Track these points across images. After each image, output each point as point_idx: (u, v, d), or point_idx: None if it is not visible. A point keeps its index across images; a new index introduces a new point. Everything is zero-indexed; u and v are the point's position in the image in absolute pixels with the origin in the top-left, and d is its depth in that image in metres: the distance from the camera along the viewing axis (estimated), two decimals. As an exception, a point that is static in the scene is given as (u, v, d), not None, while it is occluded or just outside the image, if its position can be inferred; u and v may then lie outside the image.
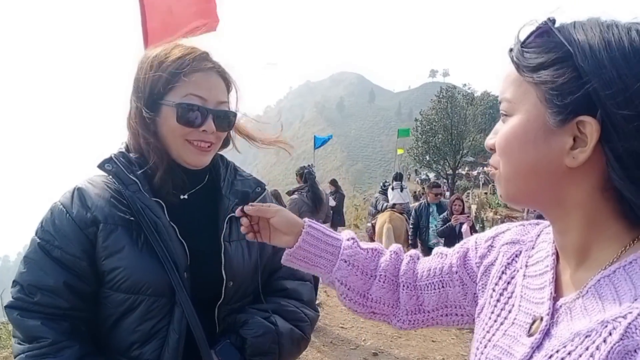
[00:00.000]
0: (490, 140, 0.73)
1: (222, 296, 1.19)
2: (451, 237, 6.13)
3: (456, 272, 0.96)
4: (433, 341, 5.49)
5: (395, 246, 1.09)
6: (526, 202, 0.71)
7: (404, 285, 1.01)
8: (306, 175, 5.78)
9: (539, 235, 0.83)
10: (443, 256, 1.01)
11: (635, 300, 0.55)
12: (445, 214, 6.48)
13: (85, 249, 1.09)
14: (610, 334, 0.53)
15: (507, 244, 0.88)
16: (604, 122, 0.57)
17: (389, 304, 1.02)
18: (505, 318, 0.78)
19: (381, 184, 9.91)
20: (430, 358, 4.99)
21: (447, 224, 6.23)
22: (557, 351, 0.60)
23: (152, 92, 1.14)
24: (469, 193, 30.64)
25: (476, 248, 0.94)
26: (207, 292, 1.18)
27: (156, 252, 1.10)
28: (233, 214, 1.21)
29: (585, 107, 0.58)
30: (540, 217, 0.79)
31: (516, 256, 0.84)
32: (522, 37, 0.66)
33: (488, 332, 0.80)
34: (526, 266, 0.80)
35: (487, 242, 0.93)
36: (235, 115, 1.24)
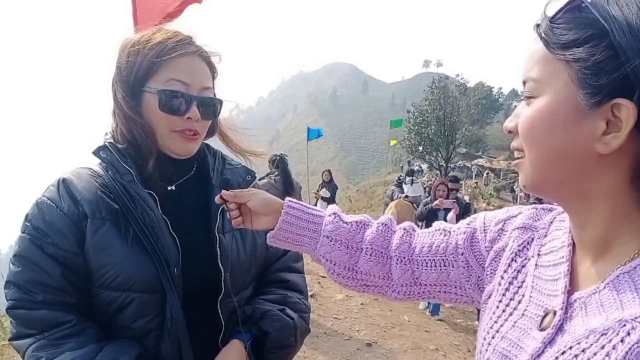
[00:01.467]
0: (510, 122, 0.69)
1: (222, 289, 1.16)
2: (431, 221, 5.98)
3: (462, 254, 0.91)
4: (426, 331, 5.53)
5: (384, 217, 1.06)
6: (549, 192, 0.68)
7: (397, 259, 0.97)
8: (278, 162, 5.94)
9: (552, 223, 0.79)
10: (447, 233, 0.96)
11: None
12: (428, 199, 6.41)
13: (80, 244, 1.05)
14: (628, 333, 0.51)
15: (518, 228, 0.83)
16: None
17: (380, 275, 0.99)
18: (515, 309, 0.75)
19: (397, 178, 12.44)
20: (423, 348, 5.02)
21: (427, 206, 6.14)
22: (571, 347, 0.57)
23: (134, 79, 1.09)
24: (461, 184, 30.78)
25: (485, 230, 0.89)
26: (204, 286, 1.16)
27: (146, 247, 1.06)
28: (224, 205, 1.20)
29: (622, 89, 0.54)
30: (538, 200, 0.76)
31: (528, 243, 0.80)
32: (550, 13, 0.61)
33: (496, 322, 0.77)
34: (539, 255, 0.76)
35: (498, 225, 0.87)
36: (221, 102, 1.20)
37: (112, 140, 1.15)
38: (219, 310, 1.17)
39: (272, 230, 1.03)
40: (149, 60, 1.08)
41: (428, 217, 6.14)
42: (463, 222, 0.96)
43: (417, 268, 0.96)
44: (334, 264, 0.99)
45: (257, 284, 1.32)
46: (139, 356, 1.04)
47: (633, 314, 0.52)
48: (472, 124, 38.34)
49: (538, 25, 0.62)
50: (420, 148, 37.64)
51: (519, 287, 0.77)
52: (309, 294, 6.32)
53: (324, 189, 9.53)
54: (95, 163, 1.16)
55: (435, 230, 0.99)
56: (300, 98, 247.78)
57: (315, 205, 9.56)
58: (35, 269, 1.03)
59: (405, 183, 10.65)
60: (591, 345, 0.54)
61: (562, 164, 0.61)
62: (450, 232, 0.96)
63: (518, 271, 0.79)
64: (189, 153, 1.18)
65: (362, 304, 6.37)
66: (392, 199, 9.79)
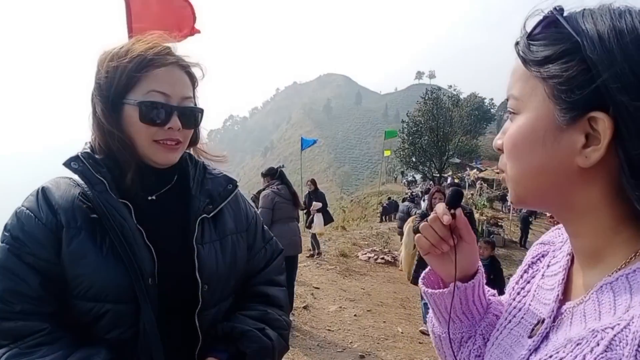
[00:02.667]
0: (498, 140, 0.69)
1: (200, 301, 1.14)
2: None
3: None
4: (420, 343, 5.51)
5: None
6: (537, 205, 0.68)
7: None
8: (280, 173, 5.94)
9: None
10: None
11: (627, 310, 0.52)
12: (424, 209, 6.23)
13: (58, 254, 1.05)
14: (597, 344, 0.51)
15: (538, 244, 0.84)
16: (617, 118, 0.52)
17: None
18: (514, 316, 0.76)
19: (409, 193, 13.23)
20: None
21: (425, 219, 5.92)
22: (551, 357, 0.57)
23: (114, 92, 1.08)
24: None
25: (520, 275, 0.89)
26: (181, 297, 1.14)
27: (121, 257, 1.05)
28: (205, 215, 1.18)
29: (596, 103, 0.53)
30: (531, 214, 0.76)
31: (542, 256, 0.80)
32: (529, 29, 0.61)
33: (497, 329, 0.78)
34: (547, 266, 0.77)
35: (526, 260, 0.88)
36: (202, 111, 1.19)
37: (88, 151, 1.15)
38: (197, 322, 1.15)
39: (463, 282, 0.85)
40: (128, 73, 1.07)
41: None
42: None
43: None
44: (483, 345, 0.85)
45: (237, 296, 1.30)
46: (110, 358, 1.03)
47: (604, 324, 0.52)
48: (465, 134, 38.59)
49: (517, 43, 0.63)
50: (414, 158, 37.88)
51: (523, 297, 0.78)
52: (302, 305, 6.28)
53: (315, 203, 9.51)
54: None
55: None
56: (295, 109, 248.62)
57: (312, 220, 9.65)
58: (14, 279, 1.02)
59: (423, 200, 11.18)
60: (567, 354, 0.54)
61: (544, 179, 0.61)
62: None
63: (527, 282, 0.79)
64: (170, 162, 1.16)
65: (355, 315, 6.34)
66: (408, 214, 10.18)
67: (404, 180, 47.64)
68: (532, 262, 0.81)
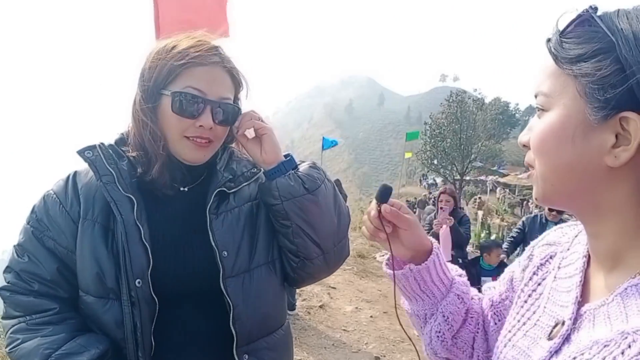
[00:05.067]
0: (524, 136, 0.69)
1: (220, 268, 1.12)
2: None
3: (506, 298, 0.91)
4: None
5: (490, 295, 0.99)
6: (561, 204, 0.68)
7: (482, 338, 0.94)
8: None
9: (576, 236, 0.79)
10: (493, 289, 0.96)
11: None
12: (429, 217, 5.50)
13: (76, 243, 1.09)
14: (629, 346, 0.50)
15: (544, 245, 0.84)
16: None
17: (468, 353, 0.94)
18: (529, 319, 0.75)
19: (431, 199, 13.06)
20: (432, 364, 4.96)
21: (431, 232, 4.86)
22: (574, 358, 0.57)
23: (154, 83, 1.10)
24: (476, 199, 30.50)
25: (519, 264, 0.90)
26: (202, 267, 1.13)
27: (118, 254, 1.06)
28: (222, 188, 1.18)
29: (629, 103, 0.53)
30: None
31: (550, 257, 0.80)
32: (561, 26, 0.61)
33: (510, 331, 0.78)
34: (558, 268, 0.76)
35: (528, 251, 0.88)
36: (238, 109, 1.18)
37: (112, 142, 1.18)
38: (224, 290, 1.12)
39: (405, 264, 0.94)
40: (169, 66, 1.09)
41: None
42: (506, 270, 0.96)
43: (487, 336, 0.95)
44: (449, 327, 0.92)
45: (267, 261, 1.23)
46: (105, 351, 1.04)
47: (635, 326, 0.51)
48: (488, 138, 38.05)
49: (549, 40, 0.63)
50: (436, 161, 37.50)
51: (536, 299, 0.77)
52: (319, 304, 6.24)
53: None
54: None
55: (484, 290, 1.00)
56: (317, 109, 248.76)
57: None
58: (34, 260, 1.09)
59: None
60: (593, 356, 0.54)
61: (572, 177, 0.61)
62: (495, 286, 0.97)
63: (538, 284, 0.79)
64: (199, 161, 1.17)
65: (371, 317, 6.32)
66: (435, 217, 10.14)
67: (425, 183, 47.26)
68: (541, 264, 0.81)
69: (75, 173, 1.16)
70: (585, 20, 0.58)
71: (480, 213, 18.53)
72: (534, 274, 0.81)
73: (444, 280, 0.93)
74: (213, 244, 1.13)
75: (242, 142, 1.19)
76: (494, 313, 0.93)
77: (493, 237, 12.75)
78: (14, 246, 1.13)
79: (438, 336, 0.93)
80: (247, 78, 1.21)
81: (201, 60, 1.09)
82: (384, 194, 0.90)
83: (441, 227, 4.67)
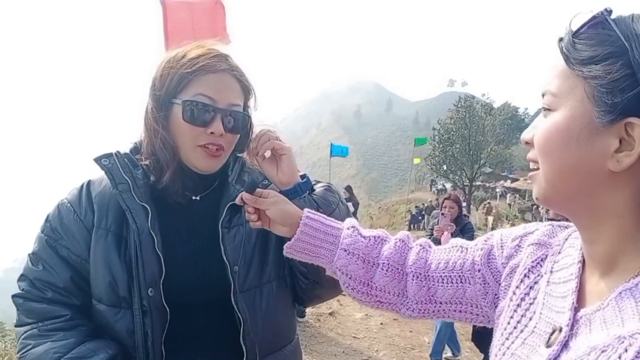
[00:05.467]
0: (527, 134, 0.70)
1: (231, 282, 1.12)
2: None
3: (479, 270, 0.89)
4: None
5: (402, 233, 1.04)
6: (560, 206, 0.68)
7: (414, 275, 0.95)
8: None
9: (566, 239, 0.79)
10: (463, 250, 0.95)
11: None
12: (434, 220, 5.35)
13: (89, 251, 1.10)
14: (626, 350, 0.50)
15: (533, 244, 0.83)
16: None
17: (395, 292, 0.97)
18: (526, 326, 0.75)
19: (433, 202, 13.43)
20: (443, 371, 4.91)
21: (433, 238, 4.74)
22: None
23: (166, 91, 1.12)
24: (485, 205, 30.33)
25: (502, 246, 0.88)
26: (213, 281, 1.14)
27: (131, 263, 1.08)
28: (233, 202, 1.17)
29: (636, 108, 0.54)
30: (553, 219, 0.76)
31: (542, 260, 0.80)
32: (575, 27, 0.61)
33: (507, 339, 0.77)
34: (551, 272, 0.76)
35: (515, 241, 0.87)
36: (248, 117, 1.20)
37: (127, 151, 1.19)
38: (234, 305, 1.12)
39: (289, 240, 1.01)
40: (180, 74, 1.10)
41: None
42: (480, 239, 0.95)
43: (433, 285, 0.94)
44: (350, 278, 0.97)
45: (278, 276, 1.25)
46: (114, 356, 1.05)
47: (630, 331, 0.52)
48: (498, 143, 37.80)
49: (561, 39, 0.63)
50: (445, 167, 37.36)
51: (530, 304, 0.76)
52: (328, 311, 6.23)
53: (349, 204, 9.60)
54: None
55: (452, 247, 0.98)
56: (324, 115, 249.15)
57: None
58: (47, 269, 1.10)
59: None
60: None
61: (574, 179, 0.62)
62: (467, 248, 0.95)
63: (530, 287, 0.78)
64: (210, 170, 1.17)
65: (381, 323, 6.29)
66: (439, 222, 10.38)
67: (434, 189, 47.08)
68: (532, 267, 0.80)
69: (89, 182, 1.17)
70: (600, 23, 0.58)
71: (490, 219, 18.41)
72: (525, 276, 0.80)
73: (328, 240, 0.99)
74: (225, 258, 1.13)
75: (258, 162, 1.19)
76: (459, 276, 0.92)
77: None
78: (29, 255, 1.14)
79: (347, 287, 0.98)
80: (255, 86, 1.22)
81: (210, 68, 1.11)
82: (249, 187, 1.03)
83: (442, 233, 4.59)
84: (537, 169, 0.68)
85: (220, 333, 1.14)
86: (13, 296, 1.13)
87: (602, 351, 0.54)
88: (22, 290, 1.12)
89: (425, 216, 17.81)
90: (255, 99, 1.23)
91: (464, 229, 4.75)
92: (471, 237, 4.75)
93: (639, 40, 0.54)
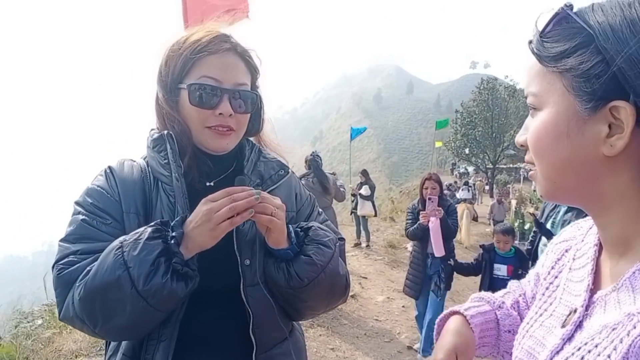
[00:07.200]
0: (520, 137, 0.71)
1: (241, 276, 1.11)
2: (423, 240, 4.46)
3: (533, 297, 0.92)
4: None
5: (517, 293, 1.03)
6: (566, 199, 0.69)
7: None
8: (310, 162, 6.05)
9: (590, 228, 0.79)
10: (521, 289, 1.01)
11: None
12: (414, 202, 4.80)
13: (124, 232, 1.06)
14: (634, 327, 0.51)
15: (561, 242, 0.86)
16: (638, 105, 0.54)
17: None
18: (545, 310, 0.77)
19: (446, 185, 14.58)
20: (465, 354, 4.91)
21: (418, 224, 4.42)
22: (586, 343, 0.58)
23: (172, 77, 1.12)
24: (509, 187, 29.86)
25: (543, 265, 0.90)
26: (224, 275, 1.12)
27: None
28: None
29: (616, 91, 0.55)
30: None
31: (566, 251, 0.82)
32: (541, 27, 0.63)
33: (528, 323, 0.80)
34: (573, 259, 0.77)
35: (548, 248, 0.91)
36: (257, 96, 1.18)
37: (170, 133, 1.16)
38: (244, 298, 1.11)
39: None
40: (183, 59, 1.10)
41: (420, 236, 4.48)
42: (532, 270, 0.99)
43: None
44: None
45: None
46: (165, 222, 1.04)
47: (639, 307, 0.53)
48: (521, 126, 37.00)
49: (530, 42, 0.65)
50: (467, 150, 36.87)
51: (553, 291, 0.79)
52: (350, 294, 6.26)
53: (365, 187, 9.64)
54: (138, 156, 1.21)
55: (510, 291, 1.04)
56: (344, 99, 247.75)
57: (355, 204, 9.78)
58: (87, 242, 1.05)
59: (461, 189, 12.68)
60: (603, 340, 0.55)
61: (572, 171, 0.62)
62: (522, 286, 1.02)
63: (555, 277, 0.81)
64: (222, 149, 1.17)
65: (403, 306, 6.31)
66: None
67: (456, 172, 46.55)
68: (558, 259, 0.83)
69: (110, 168, 1.15)
70: (563, 18, 0.61)
71: (514, 202, 18.13)
72: (552, 267, 0.83)
73: (490, 326, 0.96)
74: (236, 252, 1.12)
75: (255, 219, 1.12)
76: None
77: (527, 226, 12.46)
78: (61, 240, 1.08)
79: None
80: (262, 60, 1.21)
81: (212, 49, 1.10)
82: (238, 184, 1.05)
83: (428, 219, 4.19)
84: (535, 169, 0.69)
85: (230, 324, 1.14)
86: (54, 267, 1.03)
87: (613, 329, 0.55)
88: (63, 263, 1.03)
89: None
90: (258, 74, 1.22)
91: (447, 212, 4.37)
92: (455, 220, 4.50)
93: (602, 26, 0.56)
